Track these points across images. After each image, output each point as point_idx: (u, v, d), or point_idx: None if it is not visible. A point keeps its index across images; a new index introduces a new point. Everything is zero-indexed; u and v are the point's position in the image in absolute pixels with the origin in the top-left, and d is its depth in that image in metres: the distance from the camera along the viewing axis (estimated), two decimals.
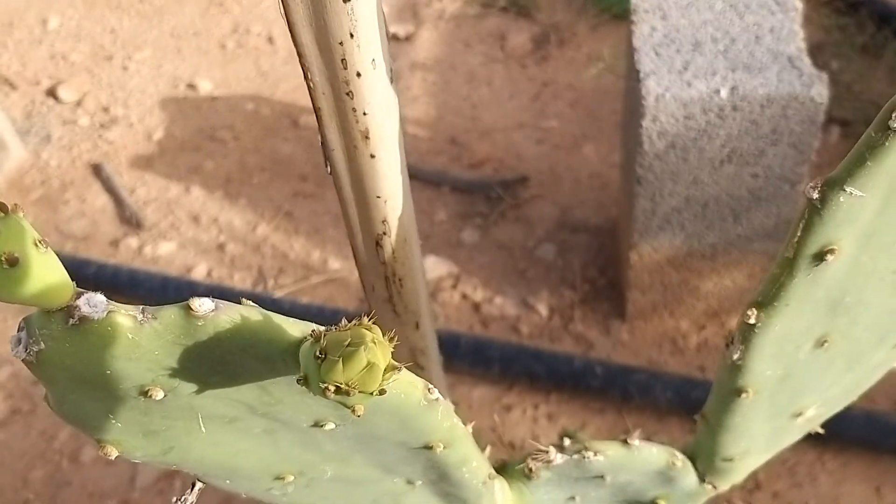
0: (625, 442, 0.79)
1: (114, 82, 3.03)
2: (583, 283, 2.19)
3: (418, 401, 0.58)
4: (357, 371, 0.46)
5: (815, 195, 0.55)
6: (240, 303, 0.55)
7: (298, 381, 0.50)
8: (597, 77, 2.76)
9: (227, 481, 0.66)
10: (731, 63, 1.67)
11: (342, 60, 0.62)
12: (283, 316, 0.55)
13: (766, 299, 0.60)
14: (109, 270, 2.24)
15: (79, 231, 2.52)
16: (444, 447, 0.63)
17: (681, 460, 0.81)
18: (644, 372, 1.90)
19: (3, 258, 0.46)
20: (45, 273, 0.49)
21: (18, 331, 0.54)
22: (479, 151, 2.60)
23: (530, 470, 0.77)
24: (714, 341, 2.03)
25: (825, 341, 0.66)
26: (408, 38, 3.06)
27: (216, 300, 0.53)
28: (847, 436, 1.81)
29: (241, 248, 2.42)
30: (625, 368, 1.91)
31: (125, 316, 0.52)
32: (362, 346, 0.46)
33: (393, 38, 3.08)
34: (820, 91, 1.59)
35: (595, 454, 0.76)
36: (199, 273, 2.36)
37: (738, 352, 0.64)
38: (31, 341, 0.52)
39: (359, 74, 0.63)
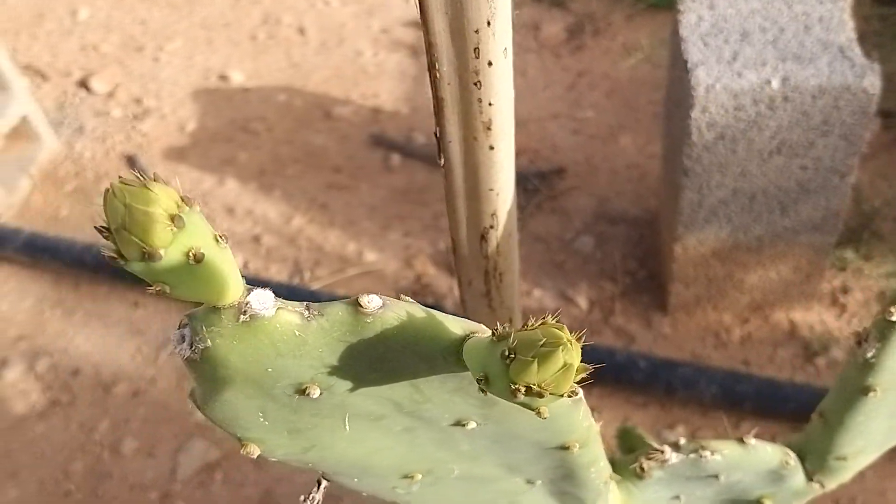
0: (741, 441, 0.77)
1: (145, 73, 3.03)
2: (623, 275, 2.17)
3: (564, 399, 0.57)
4: (552, 372, 0.45)
5: None
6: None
7: (479, 380, 0.48)
8: (634, 67, 2.73)
9: (356, 479, 0.65)
10: (781, 53, 1.64)
11: (475, 49, 0.60)
12: (443, 314, 0.53)
13: None
14: None
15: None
16: (580, 447, 0.62)
17: (793, 459, 0.79)
18: (689, 366, 1.88)
19: (191, 254, 0.45)
20: (225, 269, 0.48)
21: (180, 327, 0.53)
22: (515, 142, 2.58)
23: (642, 469, 0.75)
24: (758, 335, 2.00)
25: None
26: None
27: (382, 297, 0.52)
28: None
29: (276, 240, 2.42)
30: (669, 362, 1.89)
31: (293, 313, 0.51)
32: (560, 347, 0.45)
33: None
34: (872, 82, 1.56)
35: (713, 454, 0.75)
36: None
37: (873, 349, 0.63)
38: (197, 339, 0.51)
39: (490, 63, 0.61)
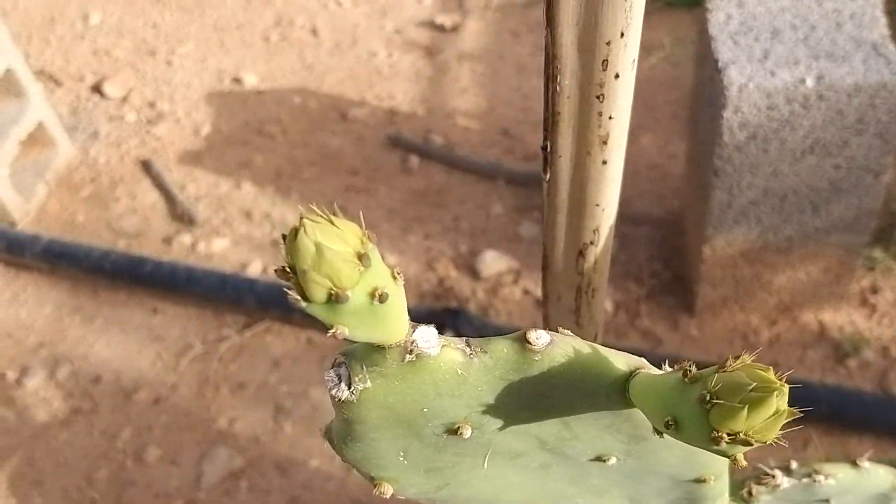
0: (854, 464, 0.74)
1: (158, 77, 3.01)
2: (648, 277, 2.14)
3: None
4: (763, 419, 0.41)
5: None
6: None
7: (668, 424, 0.44)
8: (652, 66, 2.71)
9: None
10: (813, 51, 1.62)
11: (604, 62, 0.58)
12: (606, 348, 0.51)
13: None
14: (166, 268, 2.22)
15: (131, 228, 2.50)
16: (715, 479, 0.60)
17: None
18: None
19: (376, 294, 0.43)
20: (401, 308, 0.45)
21: (334, 367, 0.50)
22: (533, 143, 2.56)
23: (750, 494, 0.72)
24: (786, 336, 1.98)
25: None
26: (454, 29, 3.02)
27: (549, 332, 0.50)
28: None
29: None
30: (699, 365, 1.87)
31: (456, 350, 0.49)
32: (774, 392, 0.41)
33: (439, 29, 3.04)
34: None
35: (826, 478, 0.72)
36: (254, 269, 2.34)
37: None
38: (357, 379, 0.49)
39: (617, 76, 0.59)
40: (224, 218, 2.48)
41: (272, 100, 2.88)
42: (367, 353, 0.49)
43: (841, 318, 1.99)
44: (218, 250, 2.40)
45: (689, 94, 2.04)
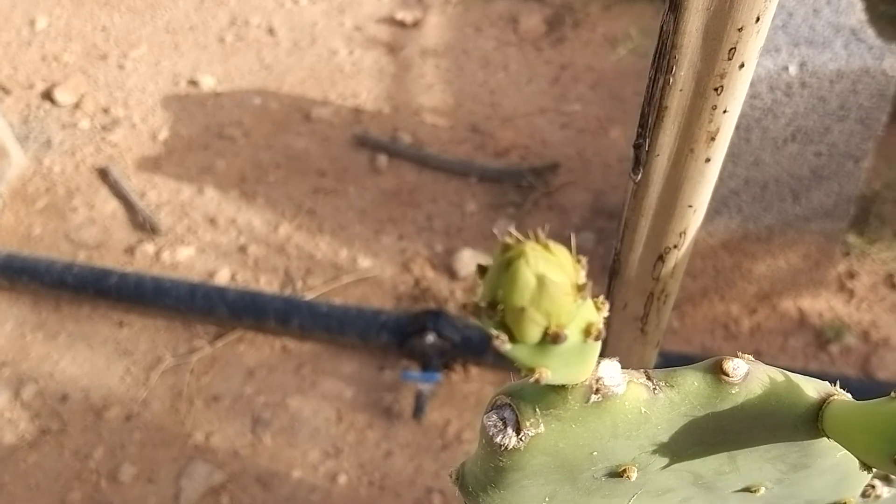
0: None
1: (111, 82, 2.92)
2: None
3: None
4: None
5: None
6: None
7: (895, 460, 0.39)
8: (619, 58, 2.70)
9: None
10: (792, 38, 1.61)
11: (730, 50, 0.53)
12: (795, 374, 0.46)
13: None
14: (132, 280, 2.15)
15: (91, 239, 2.41)
16: (854, 501, 0.56)
17: None
18: (703, 359, 1.85)
19: (592, 331, 0.37)
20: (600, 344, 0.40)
21: (496, 409, 0.44)
22: (503, 139, 2.53)
23: None
24: (767, 325, 1.98)
25: None
26: (415, 24, 2.98)
27: (746, 360, 0.44)
28: None
29: (263, 249, 2.33)
30: (683, 357, 1.86)
31: (641, 386, 0.43)
32: None
33: (399, 25, 2.99)
34: (892, 63, 1.54)
35: None
36: (222, 277, 2.27)
37: None
38: (528, 424, 0.43)
39: (742, 65, 0.54)
40: (188, 225, 2.41)
41: (231, 102, 2.81)
42: (541, 394, 0.43)
43: (820, 305, 1.99)
44: (183, 259, 2.33)
45: None
